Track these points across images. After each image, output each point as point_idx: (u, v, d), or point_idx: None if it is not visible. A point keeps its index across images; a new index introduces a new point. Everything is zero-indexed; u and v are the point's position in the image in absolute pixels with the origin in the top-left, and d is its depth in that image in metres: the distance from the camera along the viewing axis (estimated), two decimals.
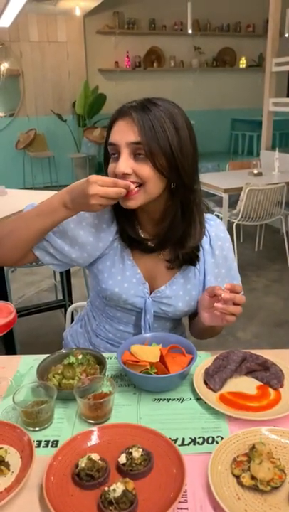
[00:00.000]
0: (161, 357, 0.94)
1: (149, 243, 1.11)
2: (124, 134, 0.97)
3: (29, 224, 1.02)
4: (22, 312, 2.88)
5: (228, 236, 1.20)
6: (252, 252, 4.65)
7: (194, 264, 1.13)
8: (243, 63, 8.97)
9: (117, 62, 8.09)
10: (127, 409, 0.90)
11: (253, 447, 0.74)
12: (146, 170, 0.97)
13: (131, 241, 1.11)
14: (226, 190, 3.90)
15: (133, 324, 1.20)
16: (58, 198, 0.99)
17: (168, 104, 1.01)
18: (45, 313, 3.05)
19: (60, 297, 3.20)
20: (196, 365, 0.99)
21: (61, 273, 2.92)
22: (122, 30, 7.88)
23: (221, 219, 4.00)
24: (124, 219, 1.10)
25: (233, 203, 4.01)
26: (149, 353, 0.95)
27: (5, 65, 7.24)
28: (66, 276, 2.93)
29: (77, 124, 7.78)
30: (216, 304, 0.97)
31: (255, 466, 0.70)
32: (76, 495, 0.70)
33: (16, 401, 0.84)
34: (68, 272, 2.93)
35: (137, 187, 0.98)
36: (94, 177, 0.93)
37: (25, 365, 1.07)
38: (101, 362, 0.98)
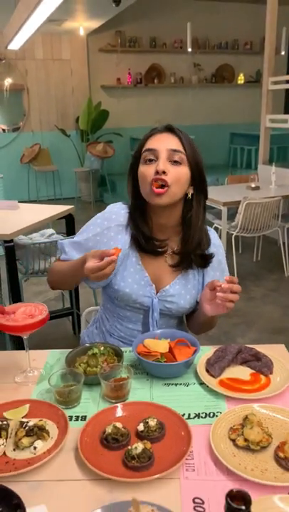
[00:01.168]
0: (170, 348, 1.13)
1: (162, 249, 1.29)
2: (165, 142, 1.21)
3: (69, 278, 1.29)
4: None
5: (221, 243, 1.41)
6: (250, 263, 4.83)
7: (206, 267, 1.32)
8: (241, 79, 9.22)
9: (119, 79, 8.33)
10: (141, 392, 1.08)
11: (246, 417, 0.91)
12: (178, 172, 1.19)
13: (141, 248, 1.29)
14: (224, 204, 4.08)
15: (141, 323, 1.36)
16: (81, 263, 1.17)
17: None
18: (53, 320, 3.23)
19: (67, 305, 3.39)
20: (199, 356, 1.17)
21: None
22: (123, 48, 8.14)
23: (221, 231, 4.20)
24: (142, 227, 1.28)
25: (231, 216, 4.19)
26: (159, 345, 1.13)
27: (9, 81, 7.48)
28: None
29: (80, 138, 8.00)
30: (217, 294, 1.15)
31: (248, 431, 0.87)
32: (105, 454, 0.87)
33: (51, 384, 1.02)
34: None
35: (163, 187, 1.18)
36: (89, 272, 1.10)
37: (53, 357, 1.25)
38: (119, 354, 1.16)
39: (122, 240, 1.30)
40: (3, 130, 7.75)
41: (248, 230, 4.13)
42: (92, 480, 0.83)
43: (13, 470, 0.84)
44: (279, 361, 1.16)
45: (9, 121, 7.78)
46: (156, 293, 1.32)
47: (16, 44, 4.22)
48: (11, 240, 2.60)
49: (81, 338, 1.57)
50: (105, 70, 8.23)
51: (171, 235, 1.31)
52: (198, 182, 1.26)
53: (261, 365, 1.12)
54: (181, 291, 1.32)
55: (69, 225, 3.17)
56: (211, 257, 1.32)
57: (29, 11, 2.90)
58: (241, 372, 1.13)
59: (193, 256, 1.29)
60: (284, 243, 4.44)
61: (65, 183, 7.93)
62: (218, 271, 1.37)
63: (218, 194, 4.37)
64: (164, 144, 1.20)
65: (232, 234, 4.14)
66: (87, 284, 1.32)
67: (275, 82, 5.28)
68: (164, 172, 1.17)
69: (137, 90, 8.51)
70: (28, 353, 1.17)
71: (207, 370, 1.12)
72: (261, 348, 1.20)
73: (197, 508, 0.76)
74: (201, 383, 1.10)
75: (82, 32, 7.33)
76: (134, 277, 1.29)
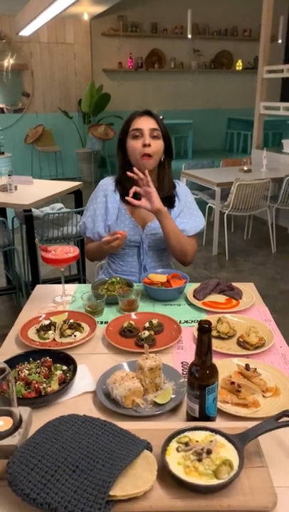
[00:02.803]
0: (167, 279, 1.55)
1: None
2: (147, 123, 1.70)
3: (98, 254, 1.84)
4: (45, 283, 3.48)
5: (188, 190, 1.91)
6: (241, 241, 5.23)
7: (172, 206, 1.81)
8: (239, 66, 9.49)
9: (120, 63, 8.60)
10: (146, 309, 1.50)
11: (219, 319, 1.33)
12: (158, 144, 1.71)
13: (127, 201, 1.74)
14: (218, 184, 4.47)
15: (136, 255, 1.82)
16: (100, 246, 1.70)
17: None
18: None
19: (73, 272, 3.81)
20: (188, 287, 1.59)
21: None
22: (125, 33, 8.38)
23: (214, 210, 4.59)
24: (126, 186, 1.73)
25: (225, 196, 4.57)
26: (159, 277, 1.56)
27: (9, 61, 7.67)
28: (81, 255, 3.53)
29: (82, 121, 8.28)
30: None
31: (219, 325, 1.29)
32: (122, 340, 1.29)
33: (83, 299, 1.44)
34: (82, 251, 3.52)
35: (149, 156, 1.69)
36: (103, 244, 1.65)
37: (80, 289, 1.67)
38: (130, 285, 1.58)
39: (114, 200, 1.80)
40: (2, 110, 7.92)
41: (239, 209, 4.52)
42: (114, 353, 1.25)
43: (62, 347, 1.25)
44: (247, 292, 1.58)
45: (9, 101, 7.97)
46: (144, 230, 1.79)
47: (27, 31, 4.54)
48: (30, 210, 2.99)
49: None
50: (107, 54, 8.47)
51: None
52: (168, 150, 1.76)
53: (234, 293, 1.54)
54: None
55: (78, 199, 3.56)
56: (173, 198, 1.81)
57: (46, 4, 3.24)
58: (219, 298, 1.55)
59: (163, 199, 1.76)
60: (272, 223, 4.85)
61: (67, 164, 8.24)
62: (185, 207, 1.84)
63: (212, 176, 4.75)
64: (147, 124, 1.70)
65: (224, 213, 4.52)
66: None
67: (270, 71, 5.60)
68: (149, 145, 1.67)
69: (138, 74, 8.77)
70: (63, 283, 1.58)
71: (194, 296, 1.54)
72: (236, 285, 1.62)
73: (183, 367, 1.19)
74: (190, 304, 1.52)
75: (86, 17, 7.57)
76: (124, 223, 1.78)
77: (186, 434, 0.84)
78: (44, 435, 0.83)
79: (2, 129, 7.78)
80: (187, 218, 1.81)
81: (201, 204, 5.13)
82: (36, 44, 7.89)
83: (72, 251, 1.51)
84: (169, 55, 8.90)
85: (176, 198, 1.83)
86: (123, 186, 1.77)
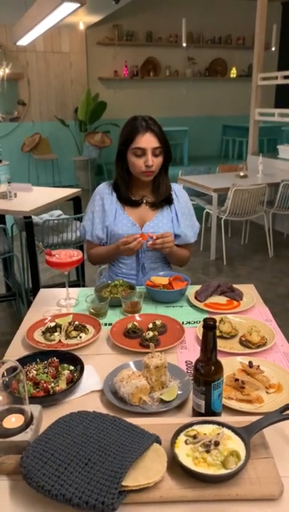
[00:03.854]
0: (169, 282, 1.58)
1: (138, 200, 1.84)
2: (149, 142, 1.72)
3: (107, 258, 1.90)
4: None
5: (185, 193, 1.95)
6: (238, 246, 5.27)
7: (170, 203, 1.87)
8: (233, 73, 9.60)
9: (116, 71, 8.69)
10: (149, 311, 1.52)
11: (221, 319, 1.36)
12: (159, 161, 1.76)
13: (125, 201, 1.84)
14: (215, 190, 4.52)
15: (135, 257, 1.85)
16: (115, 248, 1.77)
17: (153, 118, 1.77)
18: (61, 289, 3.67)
19: (72, 279, 3.83)
20: (190, 289, 1.62)
21: None
22: (121, 42, 8.48)
23: (211, 215, 4.64)
24: (123, 188, 1.83)
25: (221, 202, 4.61)
26: (161, 280, 1.59)
27: (4, 70, 7.73)
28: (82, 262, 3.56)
29: (79, 129, 8.34)
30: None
31: (221, 325, 1.32)
32: (127, 340, 1.32)
33: (87, 301, 1.46)
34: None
35: (150, 172, 1.75)
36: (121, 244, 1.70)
37: (83, 293, 1.69)
38: (133, 287, 1.61)
39: (112, 202, 1.86)
40: None
41: (236, 214, 4.56)
42: (119, 354, 1.28)
43: (67, 348, 1.28)
44: (248, 293, 1.62)
45: (4, 110, 8.00)
46: (142, 229, 1.84)
47: (24, 41, 4.59)
48: (30, 217, 3.02)
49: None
50: (103, 63, 8.56)
51: (146, 189, 1.86)
52: (167, 157, 1.80)
53: (234, 295, 1.58)
54: (158, 223, 1.85)
55: (77, 206, 3.59)
56: (171, 197, 1.87)
57: (43, 15, 3.29)
58: (220, 299, 1.59)
59: (161, 199, 1.85)
60: (269, 228, 4.89)
61: (64, 171, 8.28)
62: (186, 209, 1.91)
63: (209, 182, 4.80)
64: (150, 143, 1.72)
65: (221, 218, 4.56)
66: None
67: (264, 78, 5.68)
68: (152, 165, 1.73)
69: (133, 82, 8.86)
70: (67, 286, 1.61)
71: (196, 298, 1.57)
72: (237, 286, 1.65)
73: (187, 365, 1.21)
74: (192, 306, 1.55)
75: (82, 26, 7.66)
76: (122, 222, 1.84)
77: (194, 427, 0.86)
78: (56, 431, 0.85)
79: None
80: (189, 221, 1.88)
81: (198, 210, 5.19)
82: (32, 53, 7.96)
83: (76, 254, 1.55)
84: (164, 63, 9.01)
85: (173, 196, 1.88)
86: (119, 190, 1.85)
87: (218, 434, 0.83)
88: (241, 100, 8.85)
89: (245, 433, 0.84)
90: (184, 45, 7.28)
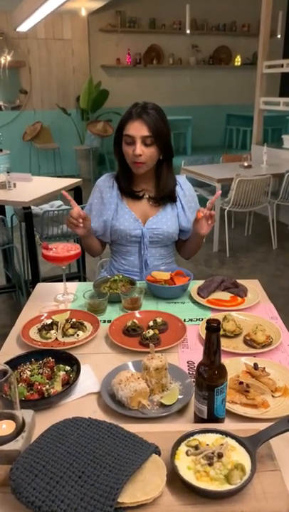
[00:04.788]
0: (171, 277, 1.52)
1: (139, 193, 1.76)
2: (139, 130, 1.60)
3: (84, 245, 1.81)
4: (44, 281, 3.46)
5: (190, 185, 1.86)
6: (242, 237, 5.20)
7: (174, 200, 1.78)
8: (238, 61, 9.44)
9: (118, 59, 8.54)
10: (149, 308, 1.46)
11: (224, 317, 1.30)
12: (150, 152, 1.62)
13: (126, 193, 1.76)
14: (218, 181, 4.44)
15: (137, 253, 1.79)
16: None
17: (156, 106, 1.66)
18: (61, 283, 3.62)
19: (72, 270, 3.78)
20: (192, 284, 1.56)
21: None
22: (123, 29, 8.32)
23: (214, 206, 4.56)
24: (124, 179, 1.75)
25: (225, 192, 4.54)
26: (163, 275, 1.52)
27: (6, 58, 7.63)
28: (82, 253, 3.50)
29: (80, 117, 8.24)
30: (203, 213, 1.62)
31: (225, 323, 1.26)
32: (126, 339, 1.26)
33: (85, 297, 1.40)
34: (82, 249, 3.50)
35: (141, 163, 1.63)
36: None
37: (81, 287, 1.63)
38: (133, 282, 1.54)
39: (112, 196, 1.77)
40: (0, 107, 7.88)
41: (239, 205, 4.49)
42: (118, 353, 1.22)
43: (64, 347, 1.22)
44: (252, 289, 1.55)
45: (6, 98, 7.91)
46: (145, 225, 1.76)
47: (24, 27, 4.49)
48: (29, 207, 2.96)
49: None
50: (105, 50, 8.42)
51: (148, 182, 1.77)
52: (166, 150, 1.69)
53: (238, 290, 1.51)
54: (162, 219, 1.76)
55: (78, 196, 3.52)
56: (174, 195, 1.77)
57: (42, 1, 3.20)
58: (223, 295, 1.52)
59: (164, 195, 1.76)
60: (273, 219, 4.81)
61: (66, 161, 8.19)
62: (193, 202, 1.84)
63: (213, 172, 4.71)
64: (138, 131, 1.60)
65: (225, 209, 4.49)
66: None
67: (269, 66, 5.56)
68: (140, 154, 1.61)
69: (136, 70, 8.72)
70: (65, 281, 1.55)
71: (198, 293, 1.51)
72: (241, 281, 1.59)
73: (189, 366, 1.16)
74: (194, 302, 1.49)
75: (84, 12, 7.52)
76: (124, 217, 1.75)
77: (195, 436, 0.81)
78: (48, 439, 0.80)
79: (0, 127, 7.73)
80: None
81: (202, 200, 5.11)
82: (34, 40, 7.83)
83: (73, 249, 1.48)
84: (167, 50, 8.85)
85: (178, 190, 1.80)
86: (120, 181, 1.77)
87: (222, 444, 0.78)
88: (246, 89, 8.72)
89: (250, 444, 0.78)
90: (188, 32, 7.12)
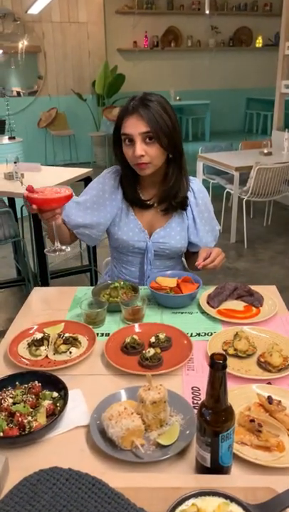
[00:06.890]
0: (177, 284, 1.36)
1: (148, 202, 1.54)
2: (136, 126, 1.37)
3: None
4: (56, 274, 3.36)
5: (204, 189, 1.63)
6: (261, 227, 4.99)
7: (185, 209, 1.56)
8: (259, 42, 9.12)
9: (135, 42, 8.31)
10: (153, 318, 1.32)
11: (236, 333, 1.15)
12: (154, 150, 1.39)
13: (132, 202, 1.54)
14: (237, 169, 4.23)
15: (140, 264, 1.61)
16: None
17: (158, 97, 1.41)
18: (72, 276, 3.51)
19: (85, 263, 3.66)
20: (202, 291, 1.40)
21: None
22: (140, 10, 8.09)
23: (232, 195, 4.36)
24: (129, 186, 1.52)
25: (243, 181, 4.34)
26: (168, 281, 1.37)
27: (24, 43, 7.48)
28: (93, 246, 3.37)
29: (96, 103, 8.06)
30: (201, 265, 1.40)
31: (237, 342, 1.11)
32: (124, 358, 1.12)
33: (82, 307, 1.27)
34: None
35: (145, 164, 1.40)
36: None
37: (81, 292, 1.49)
38: (135, 289, 1.40)
39: (116, 198, 1.55)
40: (18, 93, 7.80)
41: (258, 194, 4.28)
42: (115, 375, 1.08)
43: (54, 367, 1.09)
44: (269, 297, 1.39)
45: (24, 84, 7.82)
46: (150, 237, 1.57)
47: (35, 9, 4.32)
48: None
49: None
50: (122, 33, 8.20)
51: (157, 186, 1.54)
52: (172, 147, 1.44)
53: (253, 300, 1.35)
54: (171, 232, 1.56)
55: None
56: (186, 200, 1.54)
57: None
58: (236, 305, 1.37)
59: (174, 202, 1.52)
60: None
61: (81, 148, 8.04)
62: (206, 212, 1.62)
63: (231, 159, 4.50)
64: (136, 128, 1.37)
65: (243, 198, 4.29)
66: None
67: None
68: (141, 155, 1.38)
69: (154, 54, 8.49)
70: (56, 231, 1.35)
71: (208, 303, 1.36)
72: (256, 288, 1.43)
73: (194, 393, 1.01)
74: (203, 312, 1.34)
75: None
76: (129, 226, 1.55)
77: (193, 501, 0.67)
78: (17, 499, 0.67)
79: (14, 113, 7.59)
80: (209, 226, 1.62)
81: (218, 189, 4.93)
82: (48, 24, 7.63)
83: (63, 190, 1.27)
84: (185, 32, 8.59)
85: (190, 196, 1.57)
86: (124, 188, 1.55)
87: None
88: (267, 71, 8.45)
89: None
90: (207, 12, 6.89)
